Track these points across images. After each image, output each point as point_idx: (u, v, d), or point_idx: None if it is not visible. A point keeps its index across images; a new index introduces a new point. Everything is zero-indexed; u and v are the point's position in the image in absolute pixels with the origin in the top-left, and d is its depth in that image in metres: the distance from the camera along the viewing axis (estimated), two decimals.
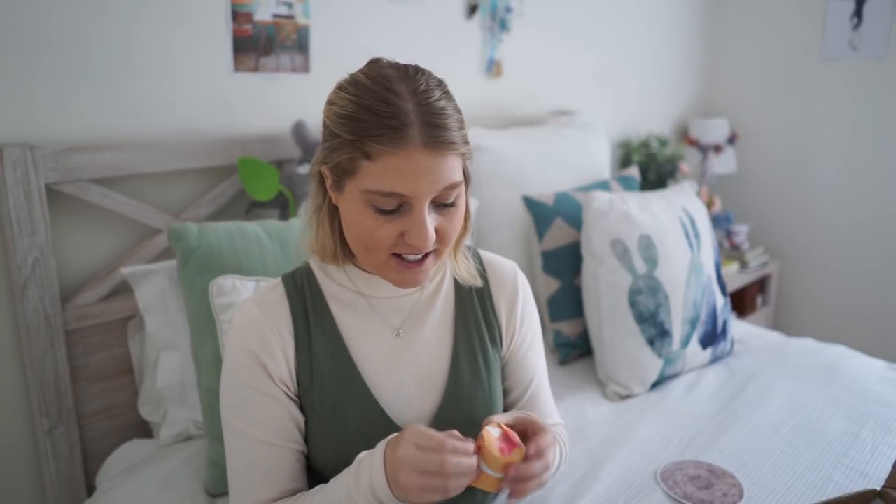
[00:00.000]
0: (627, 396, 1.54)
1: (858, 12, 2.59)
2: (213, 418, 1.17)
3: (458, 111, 0.79)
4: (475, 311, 0.95)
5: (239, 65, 1.53)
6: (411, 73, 0.78)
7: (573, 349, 1.72)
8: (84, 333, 1.35)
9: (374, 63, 0.81)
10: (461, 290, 0.96)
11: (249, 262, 1.22)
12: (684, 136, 2.95)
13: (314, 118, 1.63)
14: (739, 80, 2.99)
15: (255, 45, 1.54)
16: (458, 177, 0.78)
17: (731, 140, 2.88)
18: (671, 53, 2.84)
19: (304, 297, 0.89)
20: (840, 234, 2.79)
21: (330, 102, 0.80)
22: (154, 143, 1.39)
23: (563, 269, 1.73)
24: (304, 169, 1.52)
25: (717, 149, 2.82)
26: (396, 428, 0.86)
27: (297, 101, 1.64)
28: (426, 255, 0.81)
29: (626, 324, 1.56)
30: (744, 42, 2.96)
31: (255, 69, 1.56)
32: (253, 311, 0.86)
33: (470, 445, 0.75)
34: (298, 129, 1.53)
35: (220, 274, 1.18)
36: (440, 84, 0.79)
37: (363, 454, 0.80)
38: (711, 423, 1.41)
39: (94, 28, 1.32)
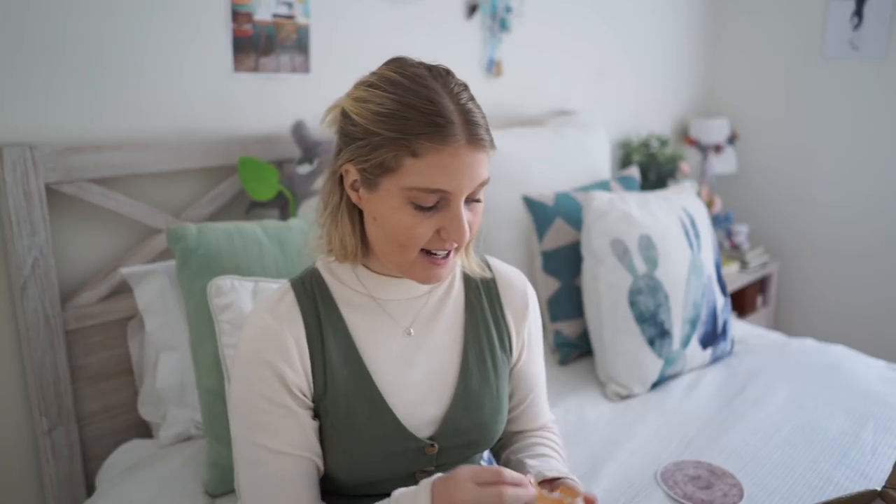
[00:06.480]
0: (627, 396, 1.54)
1: (858, 12, 2.59)
2: (212, 419, 1.17)
3: (482, 110, 0.81)
4: (485, 315, 0.95)
5: (239, 65, 1.53)
6: (442, 73, 0.79)
7: (573, 349, 1.72)
8: (84, 334, 1.34)
9: (401, 61, 0.81)
10: (471, 295, 0.95)
11: (248, 263, 1.22)
12: (684, 136, 2.95)
13: (314, 118, 1.63)
14: (739, 80, 2.99)
15: (255, 45, 1.54)
16: (488, 173, 0.81)
17: (731, 140, 2.88)
18: (671, 53, 2.83)
19: (315, 301, 0.88)
20: (840, 234, 2.79)
21: (361, 100, 0.79)
22: (154, 143, 1.38)
23: (563, 269, 1.73)
24: (303, 169, 1.52)
25: (717, 149, 2.82)
26: (406, 432, 0.86)
27: (297, 101, 1.63)
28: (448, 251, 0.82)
29: (626, 324, 1.56)
30: (744, 42, 2.96)
31: (255, 69, 1.56)
32: (266, 319, 0.85)
33: (524, 479, 0.74)
34: (298, 129, 1.53)
35: (218, 274, 1.18)
36: (466, 86, 0.81)
37: (399, 492, 0.78)
38: (711, 423, 1.41)
39: (94, 28, 1.32)
